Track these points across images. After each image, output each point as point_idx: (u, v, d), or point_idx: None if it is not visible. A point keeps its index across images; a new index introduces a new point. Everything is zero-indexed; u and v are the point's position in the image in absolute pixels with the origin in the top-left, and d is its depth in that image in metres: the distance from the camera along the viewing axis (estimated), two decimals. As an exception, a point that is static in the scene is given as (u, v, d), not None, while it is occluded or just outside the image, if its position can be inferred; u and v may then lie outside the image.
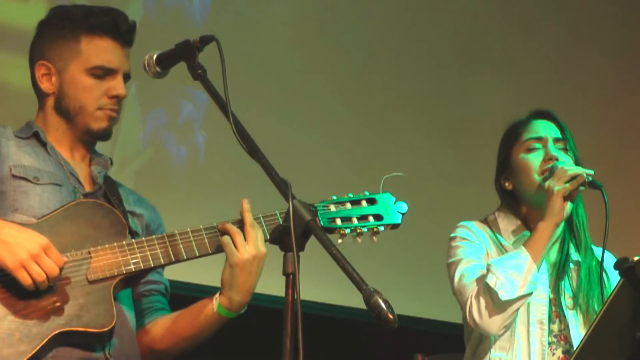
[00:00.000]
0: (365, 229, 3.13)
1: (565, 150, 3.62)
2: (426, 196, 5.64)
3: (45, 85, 3.16)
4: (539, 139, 3.62)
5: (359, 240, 3.14)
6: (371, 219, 3.14)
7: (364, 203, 3.16)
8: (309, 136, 5.63)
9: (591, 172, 3.49)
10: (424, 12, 6.09)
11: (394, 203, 3.17)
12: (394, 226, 3.17)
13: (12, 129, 3.15)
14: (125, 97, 3.16)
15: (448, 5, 6.13)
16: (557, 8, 6.43)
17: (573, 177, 3.46)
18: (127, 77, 3.18)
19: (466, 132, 6.06)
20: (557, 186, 3.45)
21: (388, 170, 3.17)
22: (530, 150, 3.62)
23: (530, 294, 3.45)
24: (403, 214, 3.17)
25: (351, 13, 5.86)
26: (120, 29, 3.15)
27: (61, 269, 2.86)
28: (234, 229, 3.02)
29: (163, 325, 3.16)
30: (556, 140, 3.62)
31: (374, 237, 3.15)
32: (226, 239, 3.01)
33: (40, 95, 3.19)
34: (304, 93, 5.66)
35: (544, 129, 3.64)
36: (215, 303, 3.07)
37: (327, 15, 5.79)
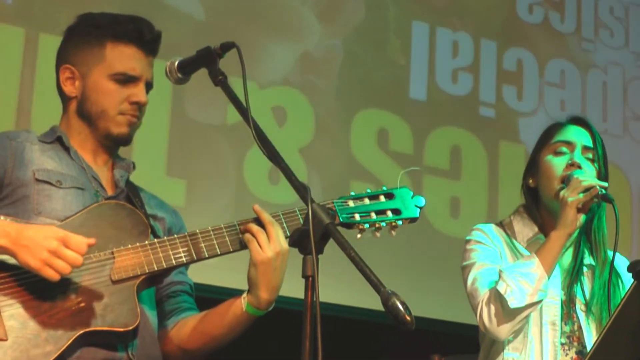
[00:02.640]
0: (383, 224, 3.13)
1: (592, 160, 3.60)
2: (446, 198, 5.63)
3: (69, 89, 3.20)
4: (568, 144, 3.61)
5: (377, 234, 3.14)
6: (389, 213, 3.15)
7: (382, 198, 3.17)
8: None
9: (605, 184, 3.48)
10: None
11: (412, 197, 3.18)
12: (412, 220, 3.17)
13: (35, 134, 3.20)
14: (146, 104, 3.18)
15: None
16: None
17: (587, 189, 3.44)
18: (149, 85, 3.21)
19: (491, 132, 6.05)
20: (571, 197, 3.44)
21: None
22: (557, 153, 3.60)
23: (540, 302, 3.44)
24: (421, 208, 3.18)
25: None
26: (144, 38, 3.18)
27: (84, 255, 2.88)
28: (256, 228, 3.03)
29: (192, 325, 3.18)
30: (585, 149, 3.60)
31: (393, 232, 3.16)
32: (249, 236, 3.03)
33: (64, 99, 3.23)
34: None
35: (576, 134, 3.63)
36: (243, 302, 3.08)
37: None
